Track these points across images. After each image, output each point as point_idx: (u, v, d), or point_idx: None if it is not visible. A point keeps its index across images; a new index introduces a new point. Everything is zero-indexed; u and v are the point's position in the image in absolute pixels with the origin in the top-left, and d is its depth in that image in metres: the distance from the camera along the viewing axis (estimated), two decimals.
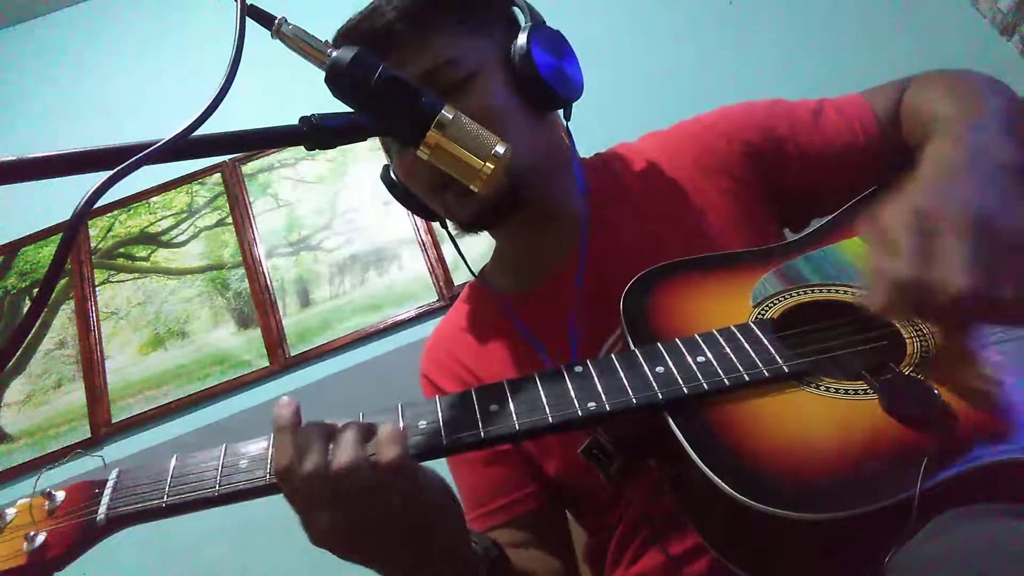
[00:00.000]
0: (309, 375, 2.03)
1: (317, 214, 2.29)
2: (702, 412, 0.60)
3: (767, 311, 0.70)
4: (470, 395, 0.63)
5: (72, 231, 0.47)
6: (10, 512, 0.60)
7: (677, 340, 0.65)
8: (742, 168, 0.87)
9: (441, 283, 2.10)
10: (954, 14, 2.29)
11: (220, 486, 0.59)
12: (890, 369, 0.62)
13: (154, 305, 2.20)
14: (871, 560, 0.49)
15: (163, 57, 2.59)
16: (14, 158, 0.48)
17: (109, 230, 2.33)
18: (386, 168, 0.93)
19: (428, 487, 0.59)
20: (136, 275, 2.26)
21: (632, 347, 0.67)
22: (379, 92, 0.59)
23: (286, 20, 0.61)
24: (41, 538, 0.58)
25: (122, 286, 2.25)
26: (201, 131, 0.51)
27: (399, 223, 2.20)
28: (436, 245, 2.16)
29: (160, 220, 2.34)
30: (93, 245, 2.31)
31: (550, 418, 0.60)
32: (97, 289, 2.24)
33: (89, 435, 2.00)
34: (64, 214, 0.49)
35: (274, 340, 2.08)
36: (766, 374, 0.61)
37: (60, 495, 0.61)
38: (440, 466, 0.64)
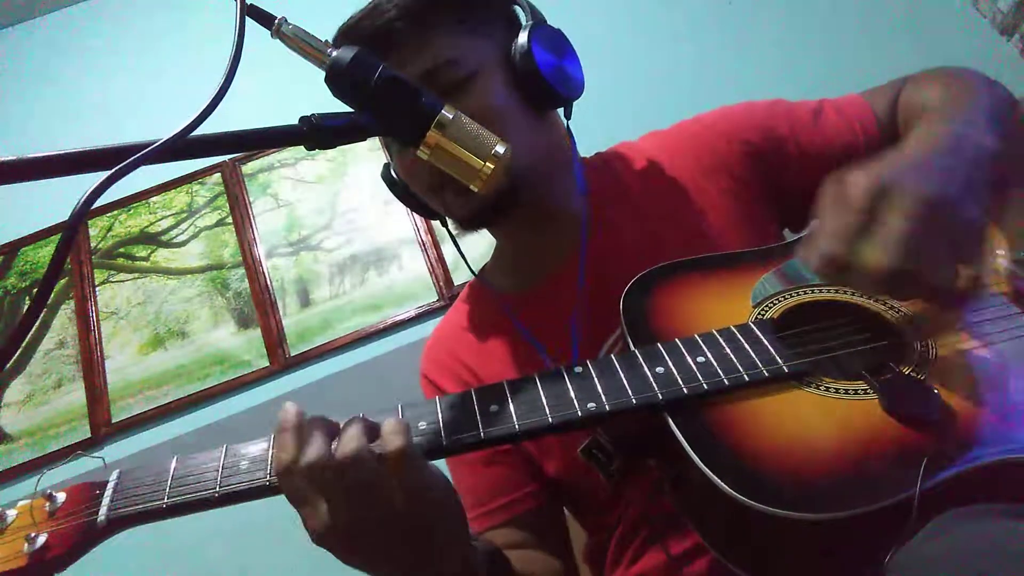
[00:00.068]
0: (309, 375, 2.03)
1: (317, 214, 2.29)
2: (702, 412, 0.60)
3: (767, 311, 0.70)
4: (470, 396, 0.63)
5: (71, 231, 0.47)
6: (11, 513, 0.61)
7: (677, 340, 0.65)
8: (742, 168, 0.87)
9: (441, 283, 2.10)
10: (954, 14, 2.29)
11: (220, 487, 0.59)
12: (890, 369, 0.62)
13: (154, 305, 2.20)
14: (871, 560, 0.49)
15: (163, 57, 2.59)
16: (14, 158, 0.48)
17: (109, 230, 2.33)
18: (387, 167, 0.93)
19: (432, 484, 0.59)
20: (136, 275, 2.26)
21: (632, 347, 0.67)
22: (379, 92, 0.59)
23: (286, 20, 0.61)
24: (42, 539, 0.58)
25: (122, 286, 2.25)
26: (201, 131, 0.51)
27: (399, 223, 2.20)
28: (436, 245, 2.16)
29: (160, 220, 2.34)
30: (93, 245, 2.31)
31: (550, 418, 0.60)
32: (97, 289, 2.24)
33: (89, 435, 2.00)
34: (64, 214, 0.49)
35: (274, 340, 2.08)
36: (766, 374, 0.61)
37: (61, 496, 0.61)
38: (439, 466, 0.64)
